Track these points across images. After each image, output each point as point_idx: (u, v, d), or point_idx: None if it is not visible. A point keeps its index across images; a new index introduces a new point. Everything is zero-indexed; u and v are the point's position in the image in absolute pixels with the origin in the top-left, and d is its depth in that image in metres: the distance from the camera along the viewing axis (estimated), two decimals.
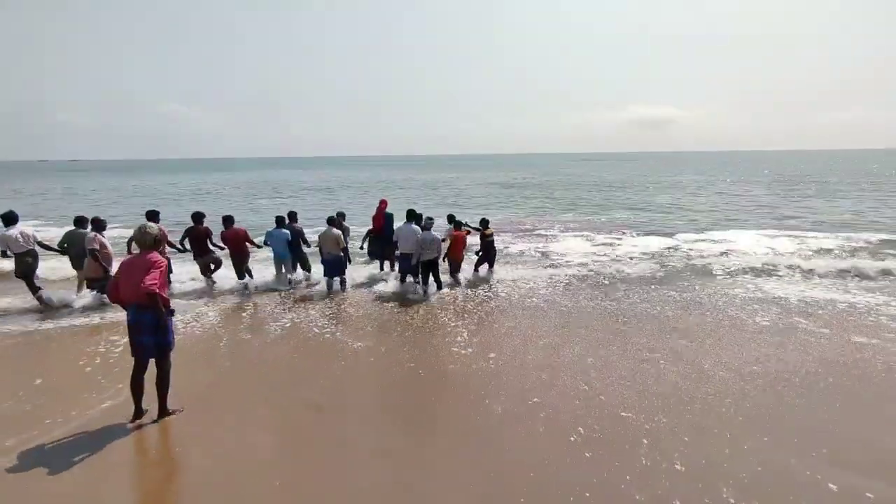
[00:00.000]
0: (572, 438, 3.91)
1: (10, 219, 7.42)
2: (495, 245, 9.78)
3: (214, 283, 8.83)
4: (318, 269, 9.02)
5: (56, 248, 7.88)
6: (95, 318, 7.11)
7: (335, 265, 8.55)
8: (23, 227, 7.51)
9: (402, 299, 8.07)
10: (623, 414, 4.26)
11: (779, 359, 5.46)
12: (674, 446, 3.78)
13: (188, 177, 62.07)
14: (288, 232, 8.80)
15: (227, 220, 8.73)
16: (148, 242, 4.03)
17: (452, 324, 6.85)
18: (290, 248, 8.89)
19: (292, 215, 9.16)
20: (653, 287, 8.71)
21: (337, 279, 8.66)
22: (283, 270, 8.98)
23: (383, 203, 9.88)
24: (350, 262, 8.98)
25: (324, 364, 5.53)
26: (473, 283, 9.06)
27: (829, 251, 11.67)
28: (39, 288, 7.61)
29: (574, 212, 21.25)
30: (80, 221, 8.01)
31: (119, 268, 4.07)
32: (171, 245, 8.39)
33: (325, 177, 59.11)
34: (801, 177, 43.51)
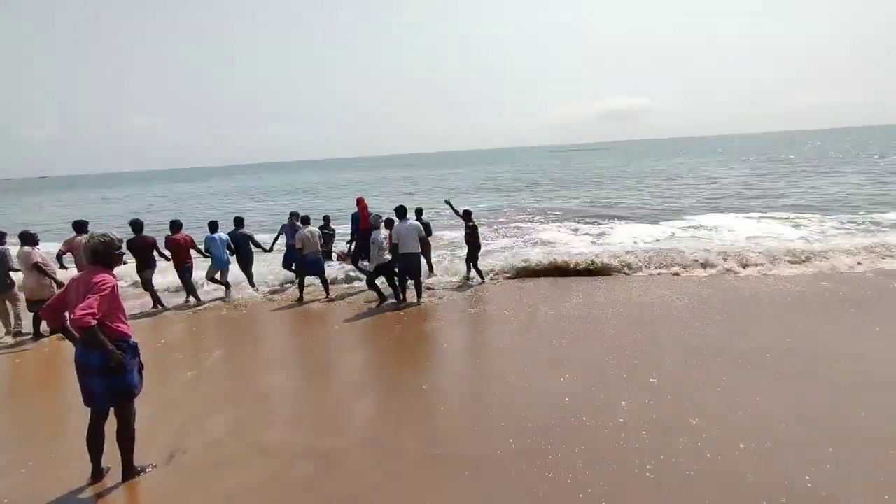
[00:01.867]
0: None
1: None
2: (479, 236, 9.07)
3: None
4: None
5: None
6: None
7: (317, 265, 8.30)
8: None
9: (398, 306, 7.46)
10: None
11: None
12: None
13: (153, 188, 60.78)
14: (227, 237, 8.70)
15: (174, 226, 8.30)
16: (86, 257, 3.25)
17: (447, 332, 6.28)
18: (241, 253, 8.84)
19: (239, 220, 9.11)
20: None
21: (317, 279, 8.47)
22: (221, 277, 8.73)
23: (361, 201, 9.27)
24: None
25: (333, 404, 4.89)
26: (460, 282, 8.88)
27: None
28: None
29: (559, 200, 20.98)
30: None
31: (67, 287, 3.31)
32: (161, 254, 8.19)
33: (302, 179, 58.82)
34: (780, 158, 44.12)
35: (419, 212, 9.25)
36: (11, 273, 6.90)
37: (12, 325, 7.02)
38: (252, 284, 9.10)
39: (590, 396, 4.25)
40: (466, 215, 9.02)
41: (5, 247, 7.00)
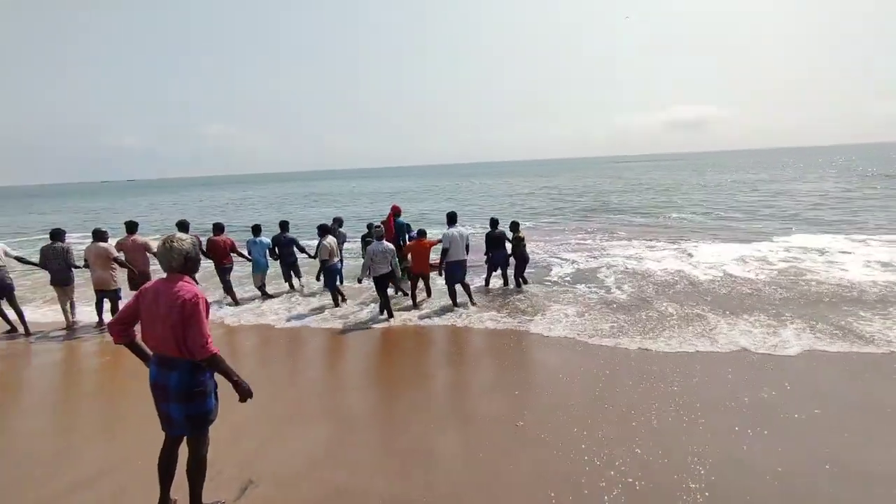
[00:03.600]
0: None
1: None
2: (527, 251, 8.95)
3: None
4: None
5: (35, 262, 7.56)
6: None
7: (335, 276, 8.19)
8: None
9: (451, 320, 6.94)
10: None
11: None
12: None
13: (224, 192, 64.09)
14: (269, 241, 8.92)
15: (217, 228, 8.67)
16: (175, 262, 2.85)
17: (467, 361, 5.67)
18: (284, 257, 9.00)
19: (284, 224, 9.28)
20: None
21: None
22: (261, 280, 9.00)
23: (395, 209, 9.02)
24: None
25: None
26: (502, 297, 8.40)
27: None
28: (18, 311, 7.38)
29: (628, 215, 19.71)
30: (55, 235, 7.64)
31: (138, 300, 2.87)
32: (240, 254, 8.74)
33: (357, 187, 60.33)
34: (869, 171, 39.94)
35: (515, 226, 8.99)
36: (73, 268, 7.58)
37: (71, 317, 7.64)
38: (292, 287, 9.33)
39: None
40: (514, 227, 8.94)
41: (67, 243, 7.69)
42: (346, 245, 9.89)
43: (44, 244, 7.73)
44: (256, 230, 9.03)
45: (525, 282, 8.99)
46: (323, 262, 7.98)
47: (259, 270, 8.90)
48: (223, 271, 8.61)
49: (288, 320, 7.67)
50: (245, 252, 8.86)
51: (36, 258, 7.67)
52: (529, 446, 3.84)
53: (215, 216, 28.22)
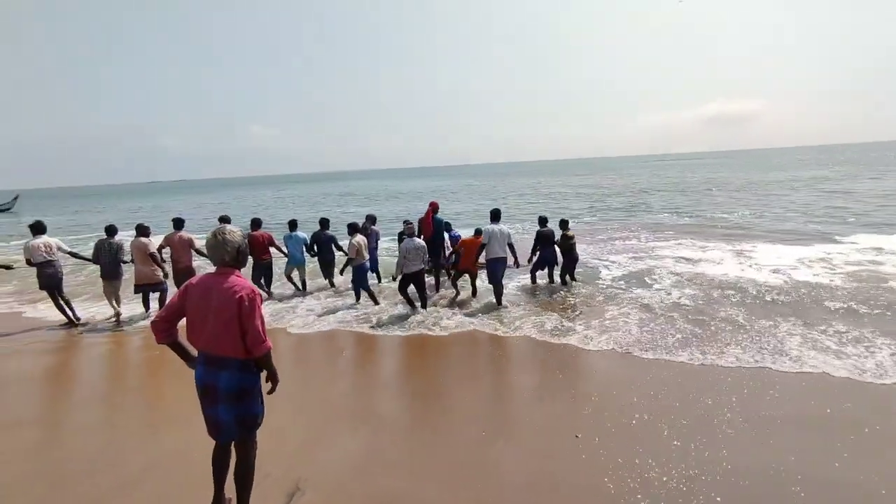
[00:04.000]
0: None
1: (37, 229, 7.56)
2: (576, 250, 8.78)
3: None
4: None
5: (88, 257, 7.92)
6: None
7: (365, 275, 8.10)
8: (48, 239, 7.58)
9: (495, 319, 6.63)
10: None
11: None
12: None
13: (265, 190, 65.73)
14: (305, 236, 9.05)
15: (255, 223, 8.89)
16: (228, 255, 2.74)
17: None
18: (322, 254, 9.03)
19: (324, 222, 9.23)
20: None
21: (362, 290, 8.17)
22: (297, 275, 9.15)
23: (433, 206, 8.86)
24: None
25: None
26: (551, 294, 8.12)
27: None
28: (67, 302, 7.74)
29: (672, 214, 18.86)
30: (110, 231, 7.98)
31: (184, 294, 2.72)
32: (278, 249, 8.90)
33: (392, 186, 60.72)
34: None
35: (565, 223, 8.91)
36: (122, 264, 7.88)
37: (118, 309, 7.90)
38: (332, 285, 9.31)
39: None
40: (563, 225, 8.82)
41: (119, 239, 8.00)
42: (381, 243, 9.90)
43: (98, 239, 8.01)
44: (292, 225, 9.26)
45: (574, 279, 8.80)
46: (349, 261, 7.93)
47: (295, 264, 9.04)
48: (261, 267, 8.73)
49: (319, 316, 7.62)
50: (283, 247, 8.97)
51: (89, 253, 7.94)
52: (590, 459, 3.54)
53: (255, 214, 28.93)
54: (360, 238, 7.99)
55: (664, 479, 3.29)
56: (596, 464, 3.49)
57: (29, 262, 7.48)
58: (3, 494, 3.34)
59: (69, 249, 7.85)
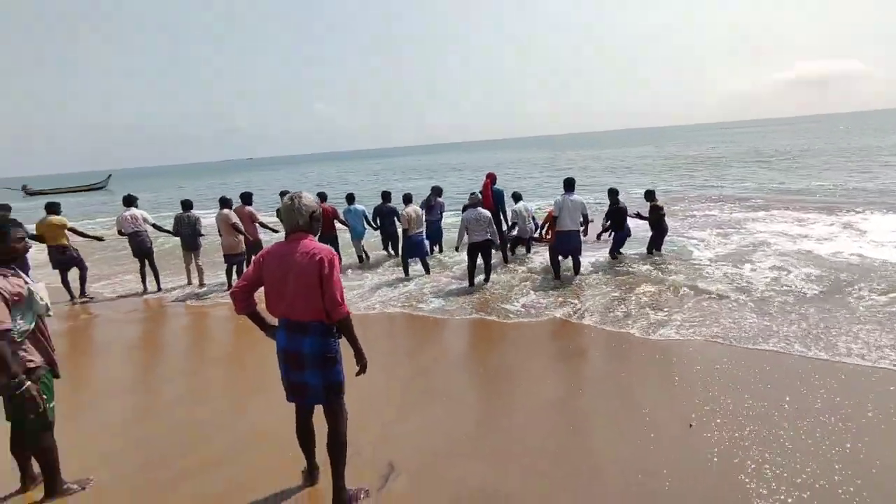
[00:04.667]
0: None
1: (128, 201, 8.24)
2: (665, 222, 8.38)
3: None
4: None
5: (169, 230, 8.47)
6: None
7: (420, 247, 8.10)
8: (135, 211, 8.18)
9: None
10: None
11: None
12: None
13: (336, 166, 67.33)
14: (363, 208, 9.12)
15: (319, 197, 8.83)
16: (302, 219, 2.67)
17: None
18: (385, 227, 9.19)
19: (386, 195, 9.19)
20: None
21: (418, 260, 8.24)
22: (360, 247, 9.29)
23: (491, 176, 8.70)
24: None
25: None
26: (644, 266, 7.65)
27: None
28: (155, 272, 8.39)
29: (758, 183, 17.11)
30: (186, 205, 8.53)
31: (260, 263, 2.68)
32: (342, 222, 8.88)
33: (454, 160, 60.25)
34: None
35: (651, 194, 8.54)
36: (199, 235, 8.44)
37: (196, 281, 8.56)
38: (389, 255, 9.55)
39: None
40: (649, 195, 8.44)
41: (195, 212, 8.56)
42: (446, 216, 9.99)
43: (177, 213, 8.51)
44: (350, 199, 9.35)
45: (660, 251, 8.39)
46: (404, 231, 7.95)
47: (356, 237, 9.17)
48: (326, 240, 8.73)
49: (377, 291, 7.61)
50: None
51: (169, 226, 8.53)
52: (707, 453, 3.19)
53: (320, 189, 29.73)
54: (411, 209, 7.93)
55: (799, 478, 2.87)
56: (713, 462, 3.12)
57: (120, 233, 8.14)
58: (99, 464, 3.43)
59: (153, 222, 8.40)
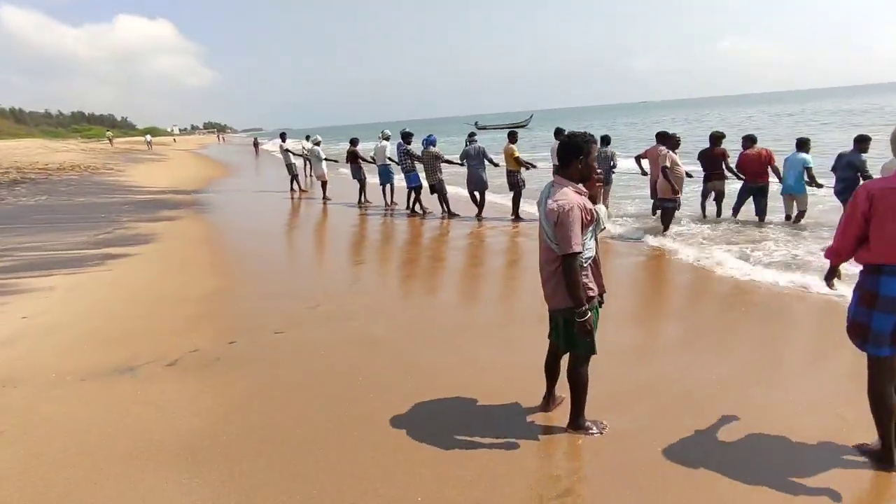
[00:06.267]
0: None
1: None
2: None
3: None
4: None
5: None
6: None
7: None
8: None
9: None
10: None
11: None
12: None
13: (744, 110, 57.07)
14: (809, 157, 7.65)
15: (748, 140, 7.97)
16: None
17: None
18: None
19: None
20: None
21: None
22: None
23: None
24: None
25: None
26: None
27: None
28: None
29: None
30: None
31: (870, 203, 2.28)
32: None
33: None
34: None
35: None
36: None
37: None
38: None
39: None
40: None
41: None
42: None
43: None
44: (802, 144, 7.70)
45: None
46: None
47: (789, 192, 7.88)
48: (750, 191, 7.94)
49: None
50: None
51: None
52: None
53: (744, 132, 25.34)
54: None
55: None
56: None
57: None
58: (611, 407, 3.21)
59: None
